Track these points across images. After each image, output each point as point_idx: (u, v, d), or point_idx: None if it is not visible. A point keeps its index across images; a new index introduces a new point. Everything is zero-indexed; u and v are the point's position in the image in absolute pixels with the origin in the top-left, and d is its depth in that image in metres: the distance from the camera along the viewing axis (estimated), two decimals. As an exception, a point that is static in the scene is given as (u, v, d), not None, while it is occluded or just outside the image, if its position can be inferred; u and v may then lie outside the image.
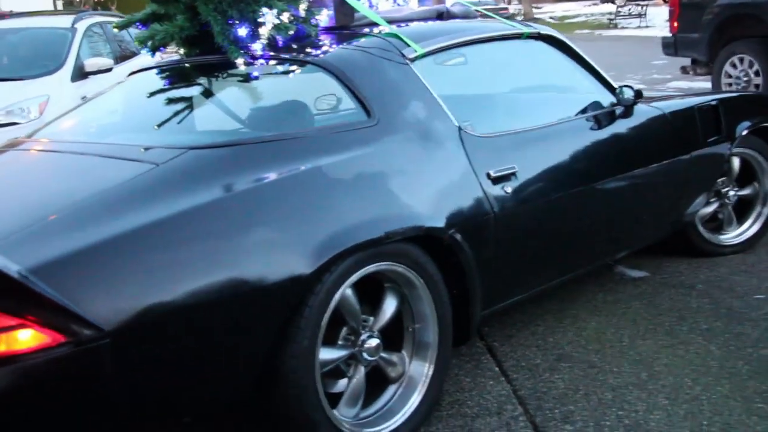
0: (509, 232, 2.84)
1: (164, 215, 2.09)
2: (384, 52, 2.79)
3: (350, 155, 2.48)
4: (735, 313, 3.49)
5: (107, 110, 3.18)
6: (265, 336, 2.18)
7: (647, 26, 26.30)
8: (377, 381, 2.62)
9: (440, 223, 2.56)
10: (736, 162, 4.19)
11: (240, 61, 2.80)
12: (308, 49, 2.86)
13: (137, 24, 3.10)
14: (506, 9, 30.84)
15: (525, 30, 3.34)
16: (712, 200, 4.23)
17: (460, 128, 2.80)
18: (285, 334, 2.21)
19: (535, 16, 33.75)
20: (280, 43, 2.88)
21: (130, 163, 2.33)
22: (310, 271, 2.19)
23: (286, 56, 2.85)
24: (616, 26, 28.00)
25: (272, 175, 2.31)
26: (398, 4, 3.53)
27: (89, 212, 2.09)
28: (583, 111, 3.38)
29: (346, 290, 2.37)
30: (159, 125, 2.75)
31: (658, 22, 24.75)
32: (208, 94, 3.00)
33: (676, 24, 8.99)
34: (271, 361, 2.21)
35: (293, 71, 2.92)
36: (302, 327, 2.22)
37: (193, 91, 3.02)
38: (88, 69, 7.26)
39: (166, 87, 3.09)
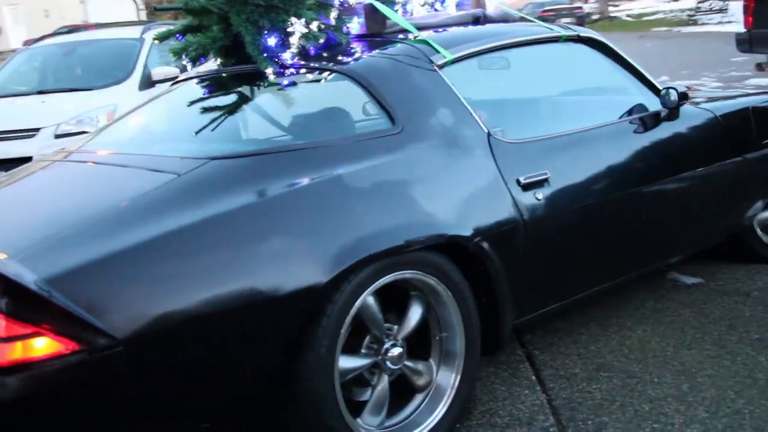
0: (541, 240, 2.78)
1: (180, 225, 2.12)
2: (412, 59, 2.77)
3: (373, 163, 2.47)
4: (788, 323, 3.35)
5: (148, 120, 3.24)
6: (282, 344, 2.19)
7: (729, 21, 25.44)
8: (405, 389, 2.61)
9: (465, 231, 2.52)
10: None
11: (269, 70, 2.82)
12: (337, 58, 2.85)
13: (177, 36, 3.16)
14: (580, 8, 30.28)
15: (563, 33, 3.26)
16: (772, 203, 4.08)
17: (489, 134, 2.76)
18: (303, 342, 2.21)
19: (612, 14, 33.12)
20: (312, 51, 2.89)
21: (153, 174, 2.37)
22: (327, 280, 2.19)
23: (314, 65, 2.85)
24: (695, 22, 27.20)
25: (291, 185, 2.31)
26: (435, 9, 3.49)
27: (108, 223, 2.13)
28: (624, 114, 3.29)
29: (367, 298, 2.36)
30: (190, 135, 2.80)
31: (741, 17, 23.97)
32: (238, 104, 3.02)
33: (750, 19, 8.68)
34: (289, 368, 2.21)
35: (320, 80, 2.91)
36: (320, 335, 2.22)
37: (224, 101, 3.05)
38: (155, 78, 7.46)
39: (203, 97, 3.12)
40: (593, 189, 2.97)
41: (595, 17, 32.32)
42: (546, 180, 2.79)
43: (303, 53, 2.90)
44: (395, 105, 2.62)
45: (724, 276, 3.96)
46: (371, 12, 3.01)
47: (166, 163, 2.43)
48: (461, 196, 2.60)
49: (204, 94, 3.15)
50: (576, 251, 2.97)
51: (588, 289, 3.14)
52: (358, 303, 2.31)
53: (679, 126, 3.37)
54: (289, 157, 2.44)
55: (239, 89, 3.05)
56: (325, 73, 2.86)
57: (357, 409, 2.45)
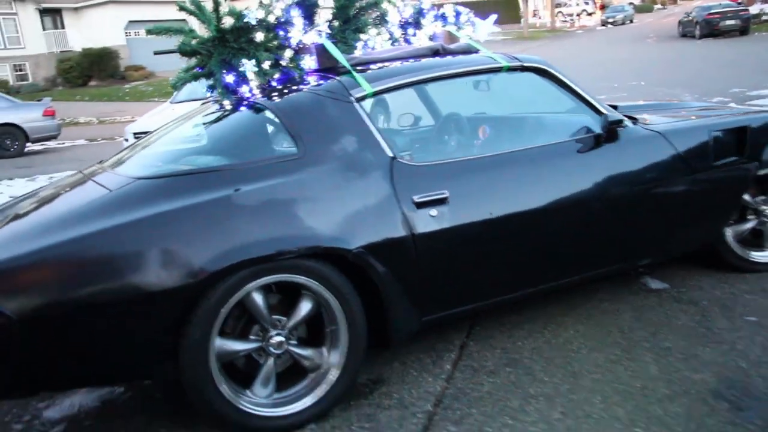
0: (437, 251, 2.77)
1: (90, 231, 2.38)
2: (331, 93, 2.83)
3: (270, 183, 2.59)
4: (709, 333, 3.09)
5: (150, 142, 3.46)
6: (167, 326, 2.40)
7: None
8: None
9: (344, 243, 2.58)
10: (772, 180, 3.61)
11: (227, 103, 3.00)
12: (276, 93, 2.97)
13: (197, 68, 3.39)
14: (746, 10, 27.09)
15: (506, 63, 3.14)
16: (750, 217, 3.70)
17: (393, 158, 2.78)
18: (182, 327, 2.41)
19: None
20: (272, 85, 3.03)
21: (100, 190, 2.65)
22: (202, 279, 2.38)
23: (256, 100, 2.98)
24: None
25: (193, 200, 2.49)
26: (409, 43, 3.48)
27: (44, 227, 2.45)
28: (560, 137, 3.14)
29: (253, 295, 2.51)
30: (156, 156, 3.05)
31: None
32: (194, 129, 3.22)
33: None
34: (173, 346, 2.41)
35: (255, 112, 3.02)
36: (194, 323, 2.42)
37: (191, 126, 3.26)
38: None
39: (183, 122, 3.34)
40: (497, 206, 2.88)
41: (765, 18, 28.99)
42: (445, 199, 2.77)
43: (264, 87, 3.04)
44: (302, 133, 2.72)
45: (690, 283, 3.68)
46: (321, 51, 3.10)
47: (115, 182, 2.69)
48: (347, 213, 2.65)
49: (184, 120, 3.36)
50: (481, 261, 2.91)
51: (503, 295, 3.05)
52: (235, 298, 2.47)
53: (617, 147, 3.16)
54: (201, 177, 2.62)
55: (204, 118, 3.23)
56: (260, 106, 2.98)
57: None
